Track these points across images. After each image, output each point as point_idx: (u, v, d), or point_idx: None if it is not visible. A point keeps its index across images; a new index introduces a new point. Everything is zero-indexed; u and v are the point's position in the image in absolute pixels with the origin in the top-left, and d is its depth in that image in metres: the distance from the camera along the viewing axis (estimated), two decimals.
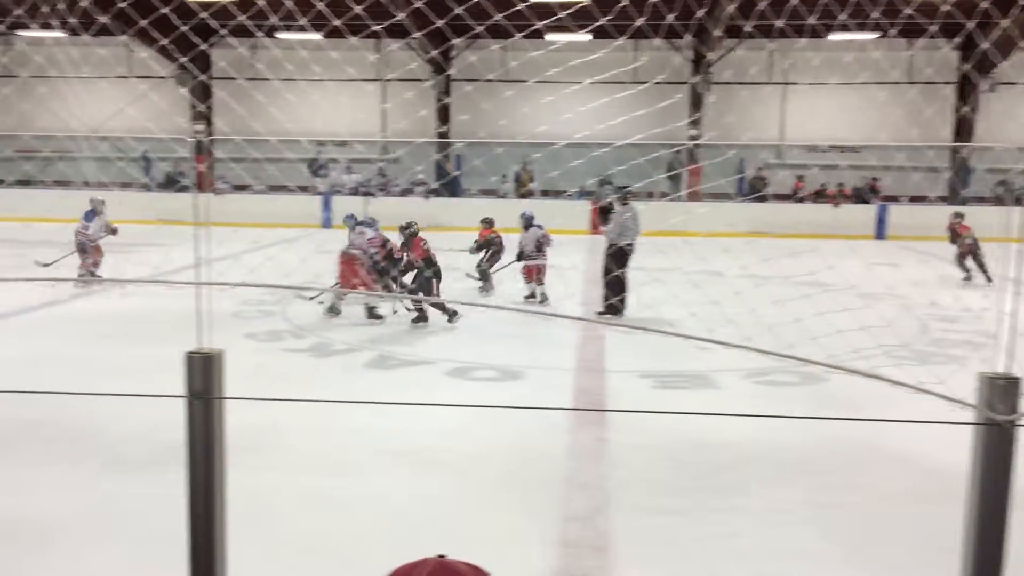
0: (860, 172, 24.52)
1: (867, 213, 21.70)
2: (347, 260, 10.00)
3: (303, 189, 23.52)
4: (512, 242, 11.60)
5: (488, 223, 12.40)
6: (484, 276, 11.97)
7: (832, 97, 25.86)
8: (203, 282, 1.93)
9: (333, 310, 10.00)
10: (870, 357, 8.24)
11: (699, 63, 25.11)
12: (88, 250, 12.19)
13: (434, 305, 9.58)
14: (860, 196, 23.25)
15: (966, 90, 24.92)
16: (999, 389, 1.38)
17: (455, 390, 7.19)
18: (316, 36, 22.22)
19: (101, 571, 4.00)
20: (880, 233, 21.11)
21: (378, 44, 25.01)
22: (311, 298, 10.50)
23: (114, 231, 12.35)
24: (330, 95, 25.54)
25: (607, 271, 10.04)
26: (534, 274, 11.17)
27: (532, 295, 11.13)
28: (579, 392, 7.36)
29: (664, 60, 24.69)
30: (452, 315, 9.63)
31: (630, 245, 10.36)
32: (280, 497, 4.79)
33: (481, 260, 12.07)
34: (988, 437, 1.42)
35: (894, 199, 22.26)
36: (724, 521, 4.66)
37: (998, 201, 23.31)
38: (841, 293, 9.74)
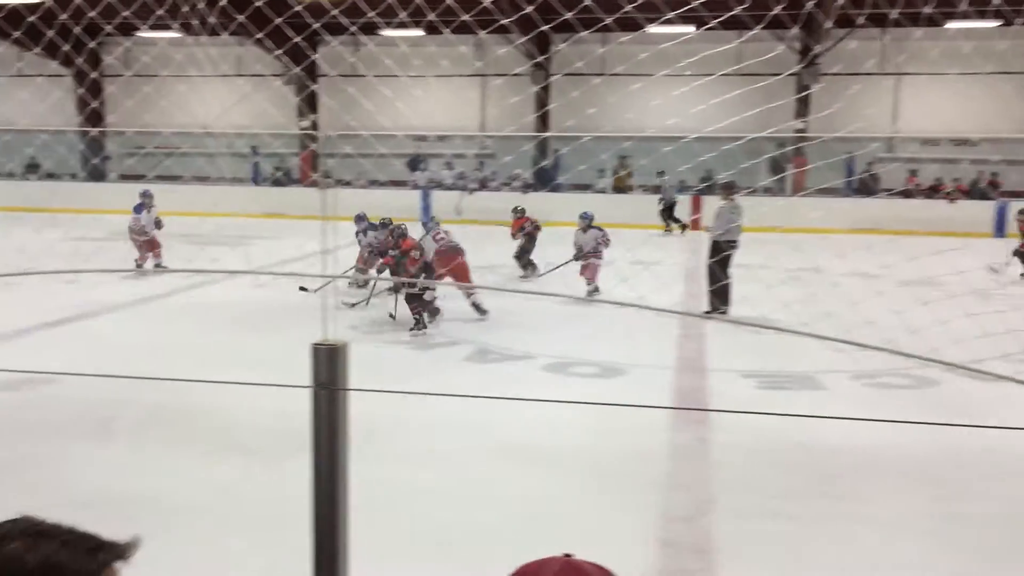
0: (979, 167, 23.38)
1: (986, 210, 20.66)
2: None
3: (401, 184, 23.93)
4: (559, 236, 11.91)
5: (519, 212, 13.14)
6: (525, 264, 12.69)
7: (949, 89, 24.72)
8: (331, 275, 1.99)
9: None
10: (987, 360, 7.89)
11: (806, 55, 24.37)
12: (139, 244, 12.80)
13: (419, 307, 9.19)
14: (978, 192, 22.17)
15: None
16: None
17: (555, 385, 7.20)
18: (417, 32, 22.62)
19: (222, 553, 4.16)
20: (1000, 231, 20.06)
21: (477, 39, 25.28)
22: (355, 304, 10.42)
23: (159, 224, 12.91)
24: (431, 90, 25.92)
25: (712, 273, 9.85)
26: (588, 272, 11.21)
27: (595, 290, 11.08)
28: (680, 390, 7.26)
29: (769, 52, 24.08)
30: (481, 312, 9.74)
31: (733, 243, 10.08)
32: (393, 489, 4.88)
33: (520, 249, 12.77)
34: None
35: (1016, 195, 21.12)
36: (835, 527, 4.52)
37: None
38: (959, 294, 9.29)
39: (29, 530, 1.09)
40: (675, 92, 24.37)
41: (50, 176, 26.06)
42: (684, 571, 4.03)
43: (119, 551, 1.14)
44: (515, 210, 13.22)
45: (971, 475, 5.24)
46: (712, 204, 11.47)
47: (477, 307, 9.78)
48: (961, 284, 9.66)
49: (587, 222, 11.71)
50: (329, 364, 1.84)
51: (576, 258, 11.52)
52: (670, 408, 6.57)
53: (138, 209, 12.93)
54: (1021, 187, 21.78)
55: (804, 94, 24.86)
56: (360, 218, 11.60)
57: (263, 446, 5.44)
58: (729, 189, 10.39)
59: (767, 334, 8.28)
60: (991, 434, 5.39)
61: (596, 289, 11.04)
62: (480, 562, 3.56)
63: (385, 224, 10.86)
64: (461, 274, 10.02)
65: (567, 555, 1.22)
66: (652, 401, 6.69)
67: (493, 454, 5.49)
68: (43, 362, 7.45)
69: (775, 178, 23.87)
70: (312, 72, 27.47)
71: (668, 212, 20.80)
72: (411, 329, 9.09)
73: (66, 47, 20.36)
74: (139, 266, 12.71)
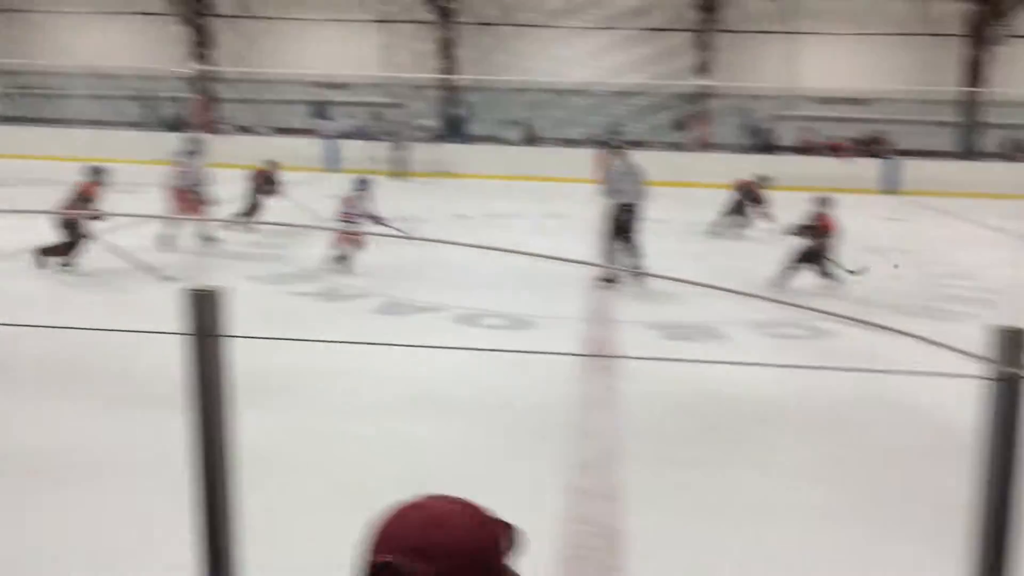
0: (871, 125, 24.25)
1: (875, 167, 21.51)
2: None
3: (305, 132, 23.24)
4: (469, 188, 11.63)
5: (266, 169, 12.57)
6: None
7: (844, 48, 25.46)
8: (212, 218, 1.88)
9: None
10: (879, 312, 8.25)
11: (708, 9, 24.65)
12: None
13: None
14: (869, 149, 23.02)
15: (979, 41, 24.52)
16: (1010, 342, 1.36)
17: (465, 336, 7.17)
18: None
19: (106, 502, 4.00)
20: (888, 187, 20.95)
21: None
22: None
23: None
24: (330, 35, 25.13)
25: (607, 239, 9.30)
26: (345, 240, 9.56)
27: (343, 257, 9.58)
28: (589, 341, 7.35)
29: (672, 7, 24.26)
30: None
31: (628, 207, 9.28)
32: (293, 439, 4.79)
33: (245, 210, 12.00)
34: (999, 391, 1.40)
35: (904, 153, 22.06)
36: (739, 473, 4.66)
37: (1008, 157, 23.17)
38: (848, 247, 9.66)
39: None
40: (583, 46, 24.53)
41: None
42: (592, 517, 4.09)
43: None
44: (265, 163, 12.78)
45: (867, 419, 5.48)
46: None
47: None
48: (852, 239, 10.04)
49: (356, 185, 10.19)
50: (204, 310, 1.75)
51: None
52: (580, 355, 6.64)
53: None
54: (911, 146, 22.74)
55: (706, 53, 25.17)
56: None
57: (147, 397, 5.25)
58: (618, 147, 9.92)
59: (674, 286, 8.44)
60: (885, 379, 5.63)
61: (344, 257, 9.54)
62: (369, 510, 3.51)
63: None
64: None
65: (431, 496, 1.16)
66: (562, 351, 6.74)
67: (401, 405, 5.44)
68: None
69: (680, 134, 24.25)
70: (202, 12, 26.08)
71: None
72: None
73: None
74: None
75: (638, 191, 9.36)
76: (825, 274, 9.10)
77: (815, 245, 9.15)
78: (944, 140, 24.47)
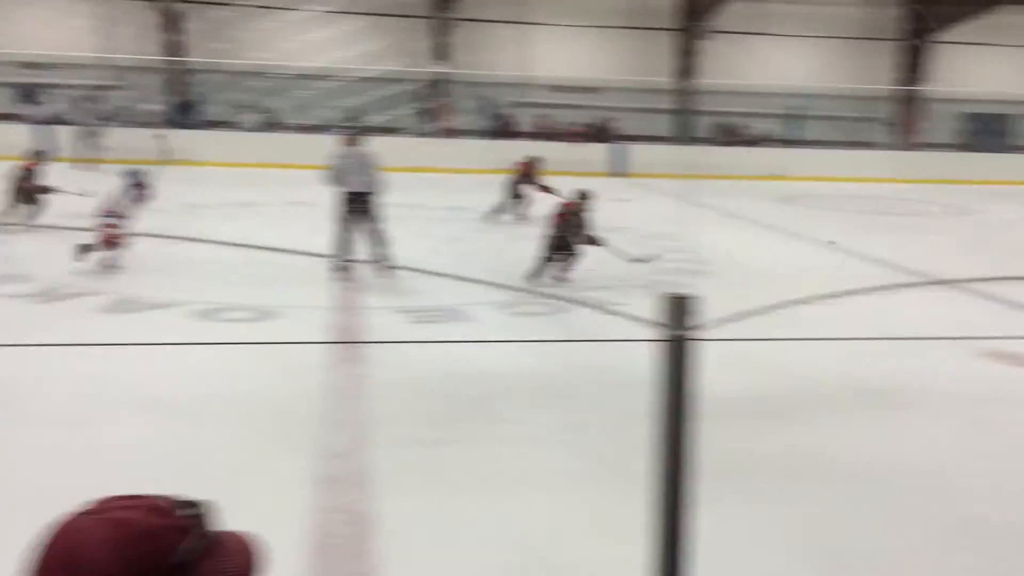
0: (600, 112, 25.88)
1: (603, 151, 23.00)
2: None
3: (10, 117, 20.96)
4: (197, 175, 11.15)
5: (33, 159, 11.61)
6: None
7: (573, 39, 26.92)
8: None
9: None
10: (602, 288, 8.88)
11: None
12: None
13: None
14: (598, 135, 24.58)
15: (688, 36, 26.92)
16: (675, 307, 1.56)
17: (205, 332, 6.86)
18: None
19: None
20: (616, 170, 22.48)
21: None
22: None
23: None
24: (37, 12, 22.88)
25: (339, 227, 9.11)
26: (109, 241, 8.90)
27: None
28: (335, 329, 7.29)
29: None
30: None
31: (359, 195, 8.98)
32: (13, 453, 4.37)
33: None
34: (670, 350, 1.59)
35: (630, 138, 23.78)
36: (485, 448, 4.85)
37: (718, 142, 25.67)
38: (629, 236, 10.26)
39: None
40: (324, 31, 24.01)
41: None
42: (342, 505, 4.10)
43: None
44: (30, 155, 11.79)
45: (596, 388, 5.90)
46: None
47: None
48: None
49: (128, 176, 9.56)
50: None
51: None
52: (325, 343, 6.57)
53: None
54: (636, 131, 24.56)
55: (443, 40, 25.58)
56: None
57: None
58: (353, 134, 9.52)
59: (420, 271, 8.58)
60: (612, 352, 6.09)
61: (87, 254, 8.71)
62: None
63: None
64: None
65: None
66: (308, 340, 6.65)
67: (134, 409, 5.12)
68: None
69: (427, 122, 24.47)
70: None
71: None
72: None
73: None
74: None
75: (368, 180, 9.08)
76: (563, 262, 9.14)
77: (566, 233, 9.15)
78: (664, 126, 26.66)
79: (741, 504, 4.15)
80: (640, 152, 22.75)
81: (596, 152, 22.70)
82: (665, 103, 26.96)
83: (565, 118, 25.38)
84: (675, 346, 1.58)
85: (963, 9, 25.66)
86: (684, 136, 26.32)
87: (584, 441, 4.99)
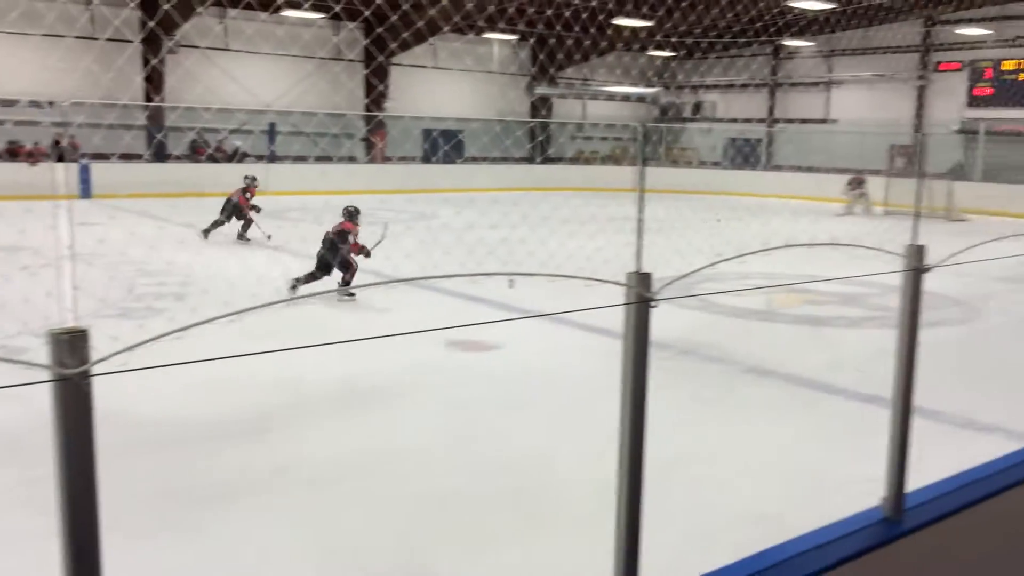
0: (59, 129, 23.37)
1: (70, 172, 20.83)
2: None
3: None
4: None
5: None
6: None
7: (29, 51, 23.87)
8: None
9: None
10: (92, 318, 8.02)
11: None
12: None
13: None
14: (61, 155, 22.20)
15: (156, 49, 25.68)
16: (66, 344, 1.36)
17: None
18: None
19: None
20: (86, 192, 20.51)
21: None
22: None
23: None
24: None
25: None
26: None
27: None
28: None
29: None
30: None
31: None
32: None
33: None
34: (64, 392, 1.40)
35: (96, 156, 21.84)
36: None
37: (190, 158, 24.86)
38: (38, 256, 9.18)
39: None
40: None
41: None
42: None
43: None
44: None
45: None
46: None
47: None
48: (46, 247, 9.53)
49: None
50: None
51: None
52: None
53: None
54: (101, 149, 22.64)
55: None
56: None
57: None
58: None
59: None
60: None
61: None
62: None
63: None
64: None
65: None
66: None
67: None
68: None
69: None
70: None
71: None
72: None
73: None
74: None
75: None
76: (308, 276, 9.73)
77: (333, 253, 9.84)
78: (138, 143, 25.00)
79: (230, 524, 4.04)
80: (105, 171, 21.02)
81: (58, 172, 20.45)
82: (137, 119, 25.36)
83: (22, 136, 22.44)
84: (69, 387, 1.36)
85: (415, 35, 28.40)
86: (158, 154, 25.05)
87: (43, 496, 4.41)
